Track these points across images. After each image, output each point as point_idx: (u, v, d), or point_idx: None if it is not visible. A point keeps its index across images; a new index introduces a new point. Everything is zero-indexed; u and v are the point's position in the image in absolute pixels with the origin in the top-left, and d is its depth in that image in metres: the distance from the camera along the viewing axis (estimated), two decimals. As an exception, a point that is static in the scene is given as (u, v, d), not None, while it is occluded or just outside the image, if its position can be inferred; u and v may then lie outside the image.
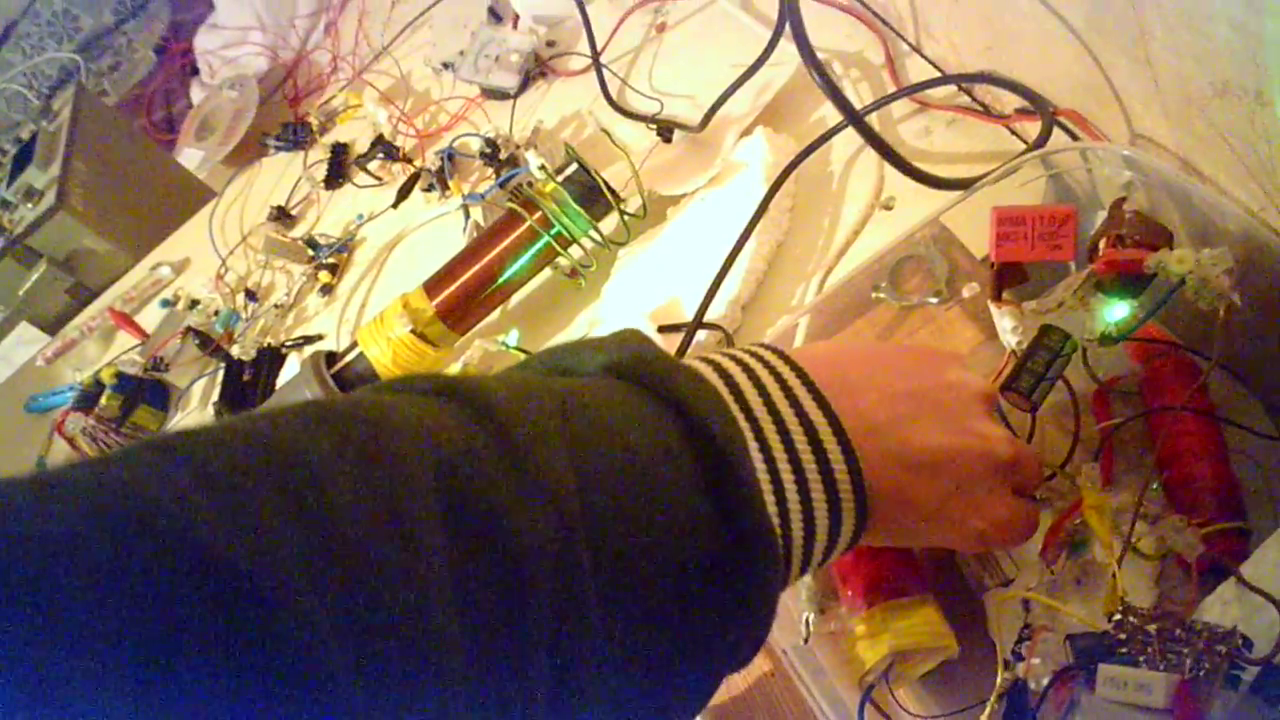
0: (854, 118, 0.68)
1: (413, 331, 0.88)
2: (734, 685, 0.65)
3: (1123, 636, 0.45)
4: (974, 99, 0.83)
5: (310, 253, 1.19)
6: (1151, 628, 0.44)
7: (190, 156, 1.63)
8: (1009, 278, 0.59)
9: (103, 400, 1.16)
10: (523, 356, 0.84)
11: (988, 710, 0.49)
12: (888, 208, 0.80)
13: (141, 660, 0.23)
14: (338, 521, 0.28)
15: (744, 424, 0.40)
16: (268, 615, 0.25)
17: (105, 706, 0.23)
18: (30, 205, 1.49)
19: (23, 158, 1.59)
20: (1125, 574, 0.49)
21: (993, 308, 0.59)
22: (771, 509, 0.39)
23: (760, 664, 0.65)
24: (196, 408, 1.17)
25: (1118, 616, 0.45)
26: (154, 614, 0.24)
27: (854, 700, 0.53)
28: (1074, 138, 0.72)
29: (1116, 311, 0.54)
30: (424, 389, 0.37)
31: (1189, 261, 0.51)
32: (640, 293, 0.85)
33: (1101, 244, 0.57)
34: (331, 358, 0.92)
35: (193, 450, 0.28)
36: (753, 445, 0.40)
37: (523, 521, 0.32)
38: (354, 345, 0.91)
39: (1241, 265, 0.51)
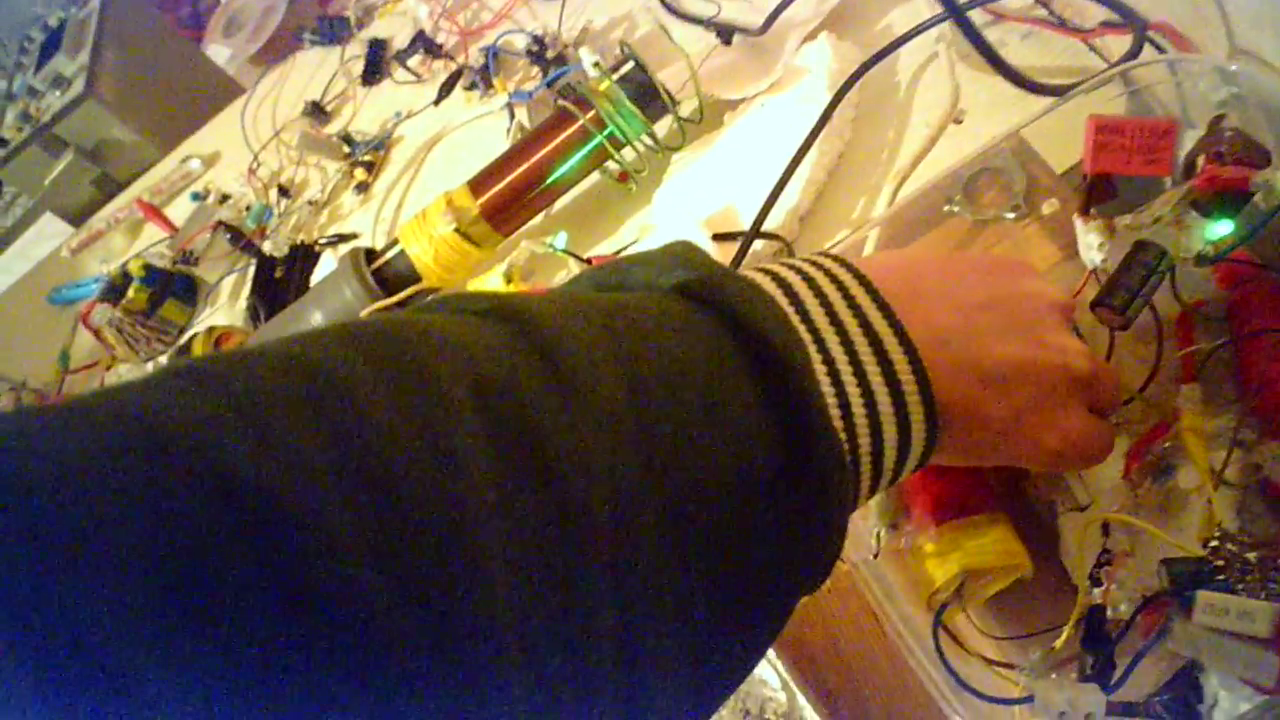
0: (955, 10, 0.65)
1: (456, 230, 0.85)
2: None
3: (1220, 563, 0.43)
4: (1051, 11, 0.80)
5: (346, 149, 1.16)
6: (1251, 555, 0.42)
7: (218, 53, 1.60)
8: (1098, 192, 0.56)
9: (130, 293, 1.14)
10: (570, 260, 0.82)
11: (1064, 635, 0.48)
12: (957, 121, 0.77)
13: (169, 587, 0.22)
14: (372, 442, 0.27)
15: (805, 334, 0.38)
16: (299, 538, 0.24)
17: (133, 633, 0.21)
18: (58, 93, 1.46)
19: (51, 45, 1.56)
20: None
21: (1078, 222, 0.57)
22: (837, 423, 0.37)
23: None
24: (226, 302, 1.15)
25: (1214, 542, 0.44)
26: (181, 540, 0.23)
27: (923, 619, 0.51)
28: (1163, 53, 0.69)
29: (1220, 229, 0.51)
30: (463, 308, 0.35)
31: (1298, 181, 0.49)
32: (693, 199, 0.82)
33: (1200, 160, 0.54)
34: (371, 255, 0.90)
35: (219, 373, 0.27)
36: (815, 356, 0.38)
37: (571, 441, 0.30)
38: (395, 242, 0.89)
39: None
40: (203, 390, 0.26)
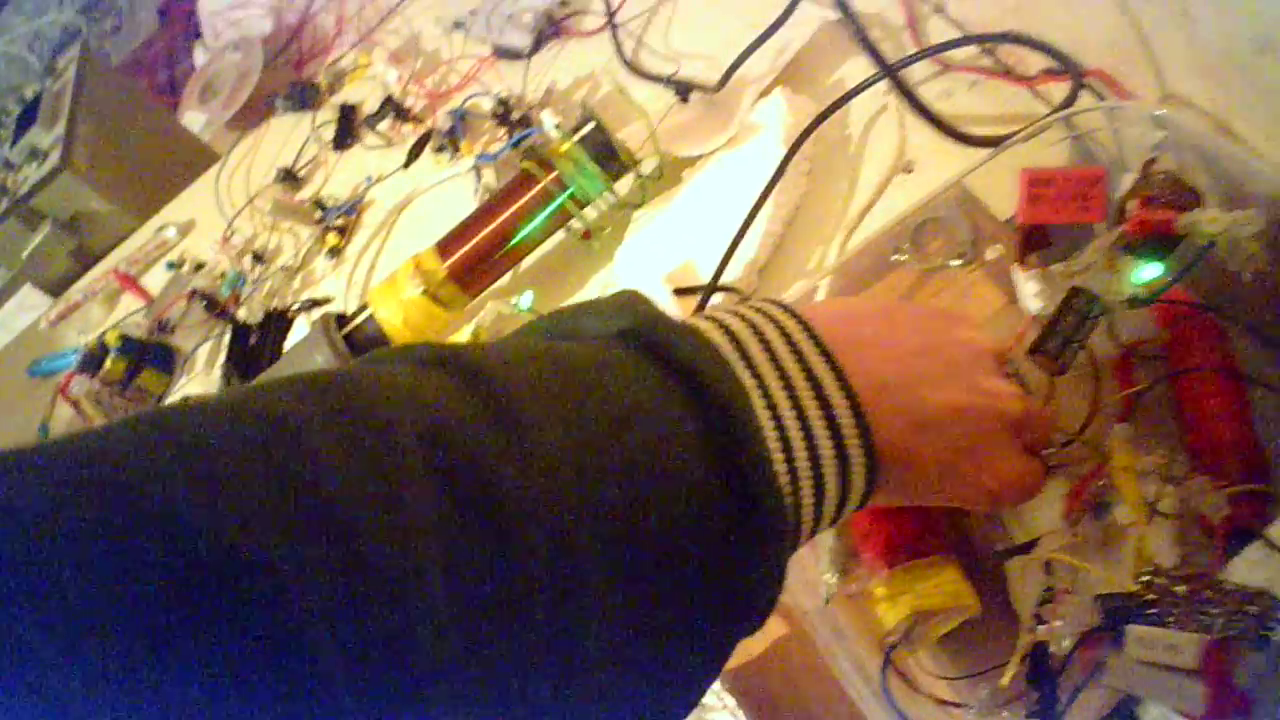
0: (888, 70, 0.67)
1: (424, 293, 0.87)
2: (750, 649, 0.64)
3: (1151, 597, 0.44)
4: (997, 60, 0.82)
5: (318, 214, 1.18)
6: (1180, 589, 0.44)
7: (193, 120, 1.62)
8: (1034, 241, 0.58)
9: (107, 363, 1.15)
10: (535, 318, 0.83)
11: (1010, 672, 0.49)
12: (907, 171, 0.79)
13: (120, 634, 0.23)
14: (321, 488, 0.28)
15: (748, 379, 0.40)
16: (249, 587, 0.25)
17: (84, 680, 0.22)
18: (34, 165, 1.47)
19: (27, 118, 1.58)
20: (1149, 536, 0.49)
21: (1016, 272, 0.59)
22: (780, 466, 0.38)
23: (776, 628, 0.64)
24: (202, 370, 1.16)
25: (1146, 577, 0.45)
26: (132, 587, 0.23)
27: (874, 662, 0.52)
28: (1101, 99, 0.71)
29: (1148, 272, 0.53)
30: (414, 358, 0.36)
31: (1221, 222, 0.51)
32: (655, 255, 0.84)
33: (1131, 205, 0.56)
34: (342, 319, 0.92)
35: (174, 422, 0.28)
36: (759, 401, 0.39)
37: (513, 485, 0.31)
38: (364, 307, 0.90)
39: (1272, 227, 0.50)
40: (155, 437, 0.27)
